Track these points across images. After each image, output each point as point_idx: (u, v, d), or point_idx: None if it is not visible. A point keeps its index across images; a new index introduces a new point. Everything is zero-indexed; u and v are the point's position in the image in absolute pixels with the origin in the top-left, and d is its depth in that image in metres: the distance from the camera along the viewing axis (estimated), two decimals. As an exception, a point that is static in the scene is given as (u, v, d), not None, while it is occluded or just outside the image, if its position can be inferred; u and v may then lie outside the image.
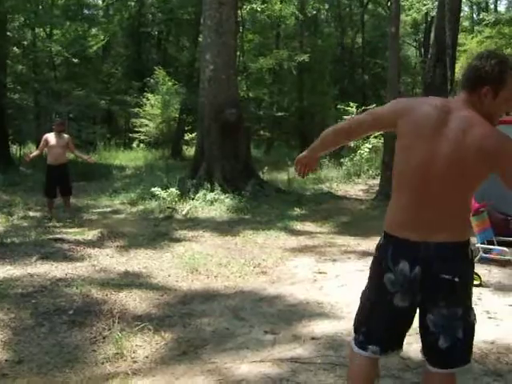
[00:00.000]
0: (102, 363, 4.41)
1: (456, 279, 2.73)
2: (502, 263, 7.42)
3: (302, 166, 3.45)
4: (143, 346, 4.76)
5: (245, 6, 27.69)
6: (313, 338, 4.91)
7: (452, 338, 2.80)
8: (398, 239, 2.83)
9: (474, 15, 46.73)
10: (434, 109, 2.80)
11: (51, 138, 11.15)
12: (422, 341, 2.95)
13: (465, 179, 2.73)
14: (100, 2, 36.73)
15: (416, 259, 2.76)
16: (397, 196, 2.90)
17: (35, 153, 11.82)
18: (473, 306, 2.91)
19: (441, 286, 2.76)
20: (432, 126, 2.76)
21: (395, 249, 2.85)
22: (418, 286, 2.78)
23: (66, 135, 11.46)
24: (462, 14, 24.95)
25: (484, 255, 7.49)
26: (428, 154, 2.74)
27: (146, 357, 4.54)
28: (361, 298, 3.10)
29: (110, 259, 7.88)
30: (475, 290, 6.25)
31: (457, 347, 2.83)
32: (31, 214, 11.94)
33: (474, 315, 2.88)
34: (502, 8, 45.04)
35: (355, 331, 3.11)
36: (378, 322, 2.98)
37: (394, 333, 3.00)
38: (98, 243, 8.87)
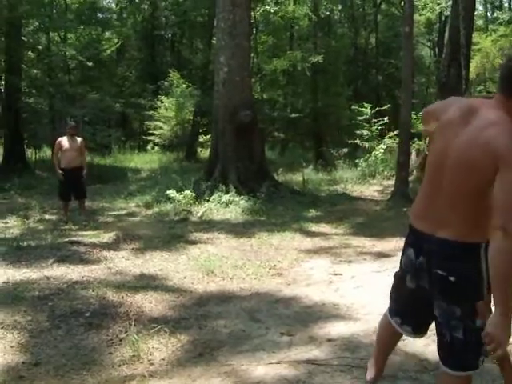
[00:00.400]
0: (119, 365, 4.43)
1: (451, 278, 2.77)
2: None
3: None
4: (159, 348, 4.76)
5: (258, 8, 27.68)
6: (329, 340, 4.89)
7: (451, 336, 2.85)
8: (412, 227, 3.03)
9: (488, 14, 46.49)
10: (459, 109, 2.86)
11: (64, 141, 11.16)
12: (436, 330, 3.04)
13: (473, 178, 2.70)
14: (114, 6, 36.93)
15: (421, 249, 2.93)
16: (421, 187, 3.08)
17: (55, 161, 11.49)
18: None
19: (436, 281, 2.86)
20: (454, 125, 2.82)
21: (410, 235, 3.06)
22: (422, 275, 2.95)
23: (79, 138, 11.46)
24: (475, 13, 24.78)
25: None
26: (444, 150, 2.82)
27: (163, 359, 4.55)
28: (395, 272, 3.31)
29: (126, 261, 7.90)
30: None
31: (457, 347, 2.85)
32: (47, 217, 12.01)
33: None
34: (516, 6, 44.77)
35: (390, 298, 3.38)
36: (397, 296, 3.27)
37: (408, 310, 3.20)
38: (113, 246, 8.89)
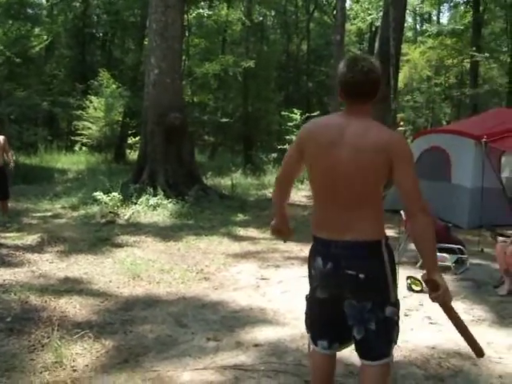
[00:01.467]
0: (41, 372, 4.30)
1: (361, 275, 2.96)
2: (443, 269, 7.54)
3: (277, 234, 3.60)
4: (83, 354, 4.66)
5: (191, 11, 27.61)
6: (256, 345, 4.90)
7: (365, 330, 3.05)
8: (317, 237, 3.15)
9: (418, 26, 47.78)
10: (327, 127, 3.11)
11: None
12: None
13: (369, 179, 2.97)
14: (44, 2, 36.11)
15: (328, 256, 3.05)
16: (314, 202, 3.23)
17: None
18: (398, 301, 3.13)
19: (347, 281, 3.00)
20: (332, 142, 3.01)
21: (315, 246, 3.18)
22: (332, 280, 3.08)
23: (1, 136, 11.10)
24: (405, 25, 25.42)
25: (425, 262, 7.62)
26: (332, 165, 3.00)
27: (86, 365, 4.46)
28: (305, 295, 3.39)
29: (50, 265, 7.73)
30: (416, 296, 6.41)
31: (370, 339, 3.06)
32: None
33: (394, 312, 3.08)
34: (444, 20, 46.09)
35: (306, 328, 3.43)
36: (314, 315, 3.31)
37: (328, 326, 3.25)
38: (37, 248, 8.69)
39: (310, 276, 3.27)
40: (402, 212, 7.60)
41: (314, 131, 3.13)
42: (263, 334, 5.20)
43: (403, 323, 5.43)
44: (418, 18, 47.00)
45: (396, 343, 3.16)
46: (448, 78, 37.61)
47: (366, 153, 2.90)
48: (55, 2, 34.14)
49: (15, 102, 23.55)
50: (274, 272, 7.68)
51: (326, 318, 3.23)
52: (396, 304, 3.11)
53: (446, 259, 7.59)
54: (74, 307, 5.86)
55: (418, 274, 7.10)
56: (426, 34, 34.44)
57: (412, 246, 8.03)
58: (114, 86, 24.73)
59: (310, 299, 3.31)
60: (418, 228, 2.93)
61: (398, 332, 3.14)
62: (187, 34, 28.44)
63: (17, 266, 7.55)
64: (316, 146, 3.06)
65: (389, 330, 3.07)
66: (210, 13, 28.66)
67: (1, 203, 11.20)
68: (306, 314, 3.39)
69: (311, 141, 3.09)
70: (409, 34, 44.43)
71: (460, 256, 7.85)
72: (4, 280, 6.75)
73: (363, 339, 3.08)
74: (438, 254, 7.63)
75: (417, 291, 6.62)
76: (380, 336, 3.05)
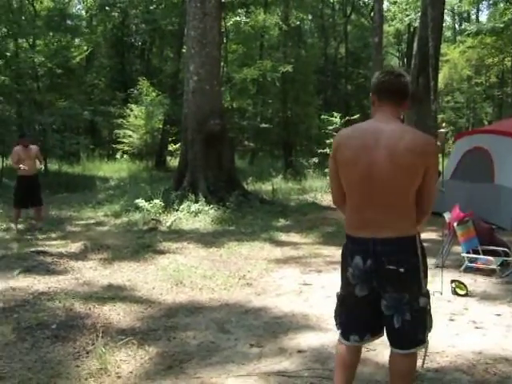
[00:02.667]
0: (86, 379, 4.35)
1: (401, 269, 3.18)
2: (488, 272, 7.45)
3: None
4: (127, 360, 4.69)
5: (228, 17, 27.70)
6: (299, 351, 4.87)
7: (402, 320, 3.25)
8: (353, 238, 3.32)
9: (456, 25, 47.23)
10: (365, 132, 3.28)
11: (20, 151, 11.10)
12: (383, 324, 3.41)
13: (404, 181, 3.17)
14: (83, 13, 36.66)
15: (367, 253, 3.23)
16: (348, 205, 3.37)
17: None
18: (428, 291, 3.35)
19: (388, 276, 3.21)
20: (369, 145, 3.20)
21: (352, 246, 3.34)
22: (372, 276, 3.25)
23: (33, 146, 11.37)
24: (444, 25, 25.12)
25: (469, 264, 7.54)
26: (368, 167, 3.18)
27: (131, 372, 4.48)
28: (336, 293, 3.59)
29: (94, 272, 7.81)
30: (461, 300, 6.31)
31: (406, 328, 3.26)
32: (14, 226, 11.82)
33: (426, 302, 3.32)
34: (483, 18, 45.48)
35: (336, 324, 3.61)
36: (348, 312, 3.47)
37: (364, 320, 3.43)
38: (81, 256, 8.79)
39: (345, 276, 3.41)
40: (445, 215, 7.51)
41: (347, 137, 3.32)
42: (306, 339, 5.17)
43: (448, 326, 5.39)
44: (456, 17, 46.56)
45: (430, 330, 3.39)
46: (489, 78, 37.09)
47: (403, 156, 3.10)
48: (94, 13, 34.61)
49: (57, 111, 23.89)
50: (316, 277, 7.64)
51: (364, 315, 3.41)
52: (427, 294, 3.33)
53: (491, 262, 7.46)
54: (117, 314, 5.91)
55: (462, 278, 7.02)
56: (466, 33, 33.93)
57: (456, 249, 7.94)
58: (153, 94, 24.92)
59: (346, 297, 3.45)
60: (424, 221, 3.36)
61: (431, 319, 3.38)
62: (225, 41, 28.50)
63: (61, 273, 7.64)
64: (350, 151, 3.23)
65: (424, 318, 3.32)
66: (247, 20, 28.70)
67: (36, 210, 11.41)
68: (337, 311, 3.58)
69: (344, 146, 3.28)
70: (448, 33, 43.98)
71: (505, 258, 7.70)
72: (49, 288, 6.84)
73: (399, 329, 3.26)
74: (483, 256, 7.54)
75: (461, 295, 6.52)
76: (416, 324, 3.28)
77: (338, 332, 3.55)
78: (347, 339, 3.46)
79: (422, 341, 3.35)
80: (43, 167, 11.86)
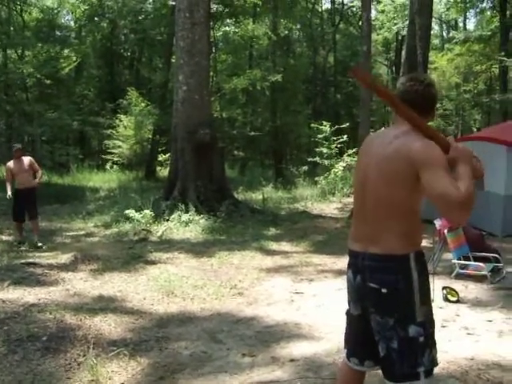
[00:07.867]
0: (77, 391, 4.32)
1: (383, 290, 2.86)
2: (479, 279, 7.46)
3: None
4: (119, 371, 4.67)
5: (217, 26, 27.77)
6: (291, 360, 4.86)
7: (387, 347, 2.88)
8: (349, 249, 3.13)
9: (444, 33, 47.51)
10: (376, 136, 3.24)
11: (12, 165, 11.09)
12: None
13: (394, 188, 2.85)
14: (72, 24, 36.66)
15: (357, 268, 3.02)
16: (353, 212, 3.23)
17: (8, 183, 11.29)
18: (425, 322, 2.87)
19: (369, 294, 2.94)
20: (371, 146, 3.09)
21: (348, 259, 3.14)
22: (360, 293, 3.02)
23: (26, 158, 11.30)
24: (432, 33, 25.25)
25: (460, 271, 7.56)
26: (364, 170, 3.03)
27: (122, 383, 4.46)
28: None
29: (84, 283, 7.77)
30: (453, 307, 6.31)
31: (393, 358, 2.87)
32: (3, 238, 11.79)
33: (419, 332, 2.84)
34: (470, 26, 45.76)
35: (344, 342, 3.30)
36: (349, 332, 3.21)
37: (361, 342, 3.12)
38: (71, 267, 8.73)
39: (347, 290, 3.18)
40: (435, 222, 7.52)
41: (364, 143, 3.21)
42: (299, 348, 5.15)
43: (440, 333, 5.38)
44: (444, 25, 46.85)
45: (426, 367, 2.85)
46: (477, 85, 37.27)
47: (387, 162, 2.86)
48: (83, 24, 34.62)
49: (46, 122, 23.89)
50: (307, 286, 7.63)
51: (361, 336, 3.10)
52: (422, 324, 2.86)
53: (482, 268, 7.48)
54: (108, 325, 5.88)
55: (454, 284, 7.03)
56: (453, 41, 34.17)
57: (447, 256, 7.96)
58: (142, 105, 24.97)
59: (347, 315, 3.21)
60: (456, 218, 2.84)
61: (429, 356, 2.86)
62: (214, 50, 28.58)
63: (51, 284, 7.59)
64: (358, 158, 3.22)
65: (414, 351, 2.84)
66: (236, 30, 28.79)
67: (32, 223, 11.34)
68: (346, 329, 3.25)
69: (359, 153, 3.21)
70: (436, 41, 44.19)
71: (496, 264, 7.73)
72: (39, 299, 6.79)
73: (385, 357, 2.90)
74: (474, 263, 7.57)
75: (453, 301, 6.53)
76: (402, 356, 2.84)
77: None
78: (348, 359, 3.19)
79: (406, 377, 2.85)
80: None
